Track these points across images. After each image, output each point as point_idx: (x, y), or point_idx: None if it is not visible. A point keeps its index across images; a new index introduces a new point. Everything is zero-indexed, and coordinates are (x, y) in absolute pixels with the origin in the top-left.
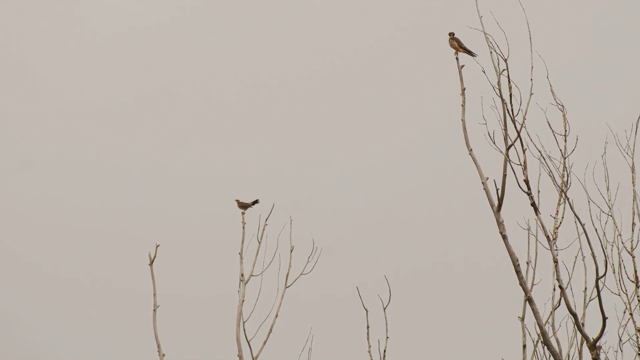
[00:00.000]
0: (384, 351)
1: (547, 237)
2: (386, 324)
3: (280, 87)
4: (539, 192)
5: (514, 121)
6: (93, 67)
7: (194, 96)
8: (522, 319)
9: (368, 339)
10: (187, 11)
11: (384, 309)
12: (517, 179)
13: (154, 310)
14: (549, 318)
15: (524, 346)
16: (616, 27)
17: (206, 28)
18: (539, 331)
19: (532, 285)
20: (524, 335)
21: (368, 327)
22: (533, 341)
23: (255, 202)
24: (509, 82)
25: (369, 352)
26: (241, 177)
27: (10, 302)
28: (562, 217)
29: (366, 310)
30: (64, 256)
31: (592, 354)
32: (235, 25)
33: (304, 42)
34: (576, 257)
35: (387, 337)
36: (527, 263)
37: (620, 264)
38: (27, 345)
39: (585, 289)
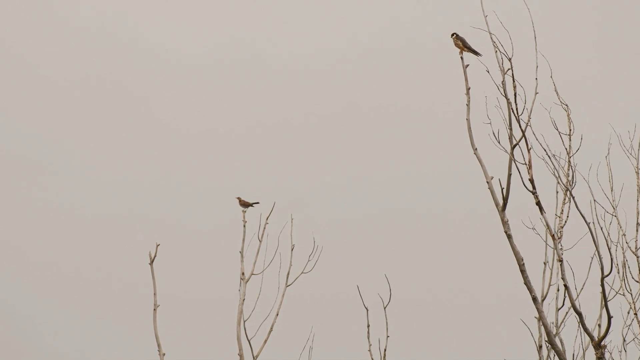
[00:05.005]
0: (385, 350)
1: (552, 236)
2: (386, 322)
3: (284, 89)
4: (557, 192)
5: (518, 120)
6: (92, 65)
7: (195, 98)
8: (539, 320)
9: (368, 338)
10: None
11: (385, 308)
12: (522, 178)
13: (155, 309)
14: (564, 319)
15: (540, 346)
16: (621, 27)
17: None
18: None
19: (549, 285)
20: (541, 335)
21: (368, 326)
22: (540, 345)
23: (256, 203)
24: (514, 81)
25: (369, 351)
26: (242, 175)
27: (21, 301)
28: (568, 217)
29: (367, 309)
30: (67, 257)
31: (596, 353)
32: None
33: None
34: (592, 258)
35: (388, 336)
36: (545, 264)
37: (624, 264)
38: (34, 344)
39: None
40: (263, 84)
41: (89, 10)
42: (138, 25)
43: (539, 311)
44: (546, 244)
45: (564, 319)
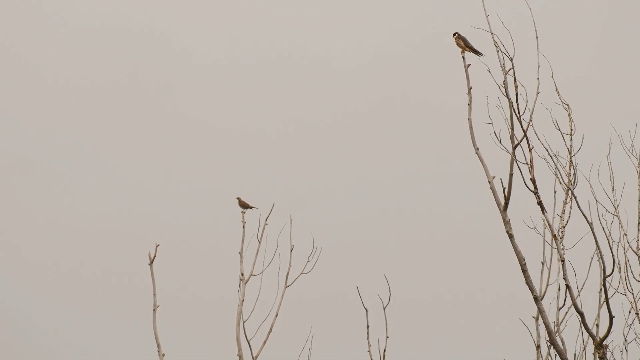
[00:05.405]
0: (384, 351)
1: (554, 236)
2: (386, 323)
3: (283, 91)
4: (555, 192)
5: (520, 120)
6: (89, 63)
7: (196, 98)
8: (537, 319)
9: (368, 339)
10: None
11: (384, 309)
12: (523, 178)
13: (154, 310)
14: (563, 319)
15: (538, 346)
16: (622, 27)
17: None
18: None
19: (547, 285)
20: (538, 335)
21: (368, 327)
22: (540, 344)
23: (255, 207)
24: (515, 81)
25: (369, 351)
26: (242, 176)
27: (21, 301)
28: (569, 216)
29: (366, 309)
30: (67, 258)
31: (598, 353)
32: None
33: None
34: (592, 258)
35: (387, 337)
36: (542, 263)
37: (626, 264)
38: (34, 344)
39: (600, 289)
40: (263, 86)
41: (86, 9)
42: (138, 24)
43: (541, 311)
44: (544, 243)
45: (563, 318)
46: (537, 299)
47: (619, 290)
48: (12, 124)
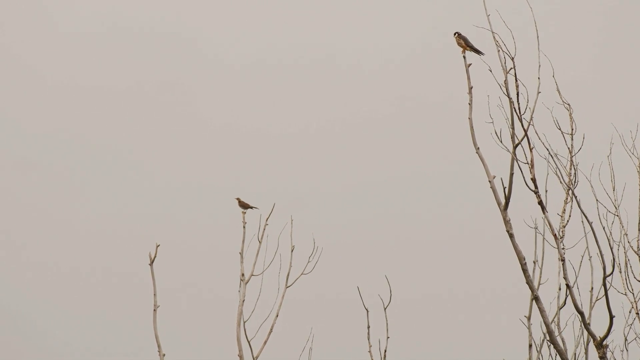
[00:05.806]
0: (385, 351)
1: (554, 235)
2: (387, 323)
3: (283, 92)
4: (546, 191)
5: (521, 120)
6: (89, 61)
7: (195, 98)
8: (529, 318)
9: (369, 339)
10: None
11: (385, 309)
12: (524, 178)
13: (155, 310)
14: (555, 317)
15: (530, 345)
16: (624, 27)
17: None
18: (545, 330)
19: (539, 284)
20: (531, 335)
21: (369, 327)
22: (535, 343)
23: (255, 207)
24: (516, 80)
25: (369, 352)
26: (243, 176)
27: (21, 301)
28: (570, 216)
29: (367, 310)
30: (67, 257)
31: (598, 353)
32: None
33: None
34: (582, 257)
35: (388, 337)
36: (534, 262)
37: (626, 263)
38: (34, 344)
39: (592, 288)
40: (263, 86)
41: (85, 9)
42: (138, 23)
43: (541, 310)
44: (536, 242)
45: (555, 316)
46: (537, 299)
47: (619, 289)
48: (12, 124)
